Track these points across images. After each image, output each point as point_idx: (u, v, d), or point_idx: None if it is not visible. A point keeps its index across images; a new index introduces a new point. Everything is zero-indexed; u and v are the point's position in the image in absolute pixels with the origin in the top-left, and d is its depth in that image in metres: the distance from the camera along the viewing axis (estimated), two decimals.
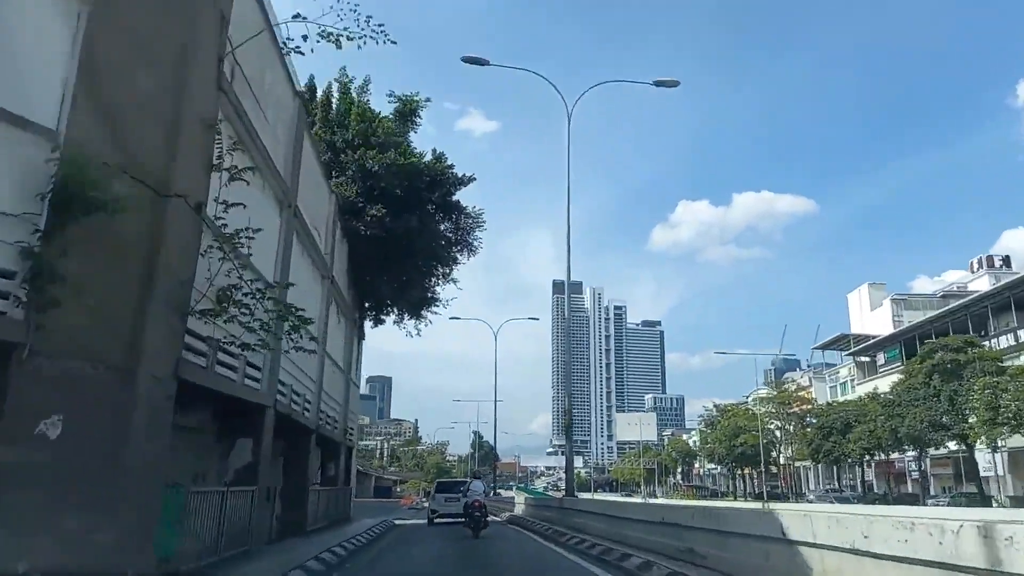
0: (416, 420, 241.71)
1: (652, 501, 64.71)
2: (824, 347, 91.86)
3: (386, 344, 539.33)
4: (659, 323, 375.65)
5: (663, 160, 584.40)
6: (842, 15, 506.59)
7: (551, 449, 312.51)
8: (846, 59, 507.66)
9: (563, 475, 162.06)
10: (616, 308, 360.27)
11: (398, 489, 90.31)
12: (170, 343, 9.86)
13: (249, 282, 10.43)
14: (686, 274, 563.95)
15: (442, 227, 28.68)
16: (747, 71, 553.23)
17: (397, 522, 31.30)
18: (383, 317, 30.23)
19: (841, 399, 79.99)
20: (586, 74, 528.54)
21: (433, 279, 29.31)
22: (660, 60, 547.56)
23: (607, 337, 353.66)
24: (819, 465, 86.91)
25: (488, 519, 22.28)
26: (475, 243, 29.25)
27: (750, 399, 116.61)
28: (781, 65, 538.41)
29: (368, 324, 31.03)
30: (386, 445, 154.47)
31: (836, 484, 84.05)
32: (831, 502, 51.23)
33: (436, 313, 30.21)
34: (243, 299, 10.27)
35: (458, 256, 29.31)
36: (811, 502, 71.16)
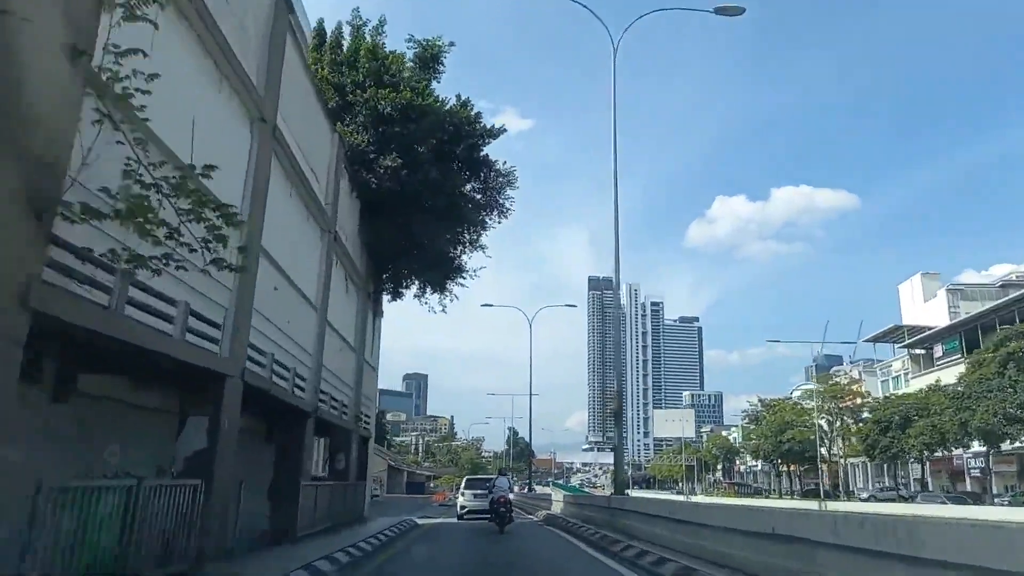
0: (452, 417, 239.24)
1: (718, 501, 60.24)
2: (876, 340, 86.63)
3: (421, 341, 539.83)
4: (697, 319, 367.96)
5: (696, 155, 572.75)
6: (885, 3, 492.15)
7: (587, 446, 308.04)
8: (886, 49, 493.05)
9: (599, 472, 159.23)
10: (653, 304, 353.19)
11: (431, 485, 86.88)
12: (14, 255, 6.12)
13: (151, 167, 6.67)
14: (724, 270, 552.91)
15: (468, 187, 24.83)
16: (781, 63, 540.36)
17: (421, 521, 27.65)
18: (402, 290, 26.39)
19: (894, 393, 74.91)
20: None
21: (458, 246, 25.39)
22: (693, 54, 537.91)
23: (644, 334, 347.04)
24: (867, 462, 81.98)
25: (513, 515, 22.96)
26: (506, 203, 25.31)
27: (794, 394, 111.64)
28: (816, 57, 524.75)
29: (386, 298, 27.29)
30: (421, 441, 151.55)
31: (886, 482, 78.92)
32: (943, 502, 45.65)
33: (463, 285, 26.26)
34: (141, 191, 6.56)
35: (487, 219, 25.38)
36: (865, 501, 66.49)
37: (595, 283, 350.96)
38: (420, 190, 21.60)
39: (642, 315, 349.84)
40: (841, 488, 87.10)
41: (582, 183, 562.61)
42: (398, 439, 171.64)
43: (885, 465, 79.24)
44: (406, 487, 79.12)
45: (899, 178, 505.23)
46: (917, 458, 65.06)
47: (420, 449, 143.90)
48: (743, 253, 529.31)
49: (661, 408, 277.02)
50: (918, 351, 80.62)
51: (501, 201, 25.14)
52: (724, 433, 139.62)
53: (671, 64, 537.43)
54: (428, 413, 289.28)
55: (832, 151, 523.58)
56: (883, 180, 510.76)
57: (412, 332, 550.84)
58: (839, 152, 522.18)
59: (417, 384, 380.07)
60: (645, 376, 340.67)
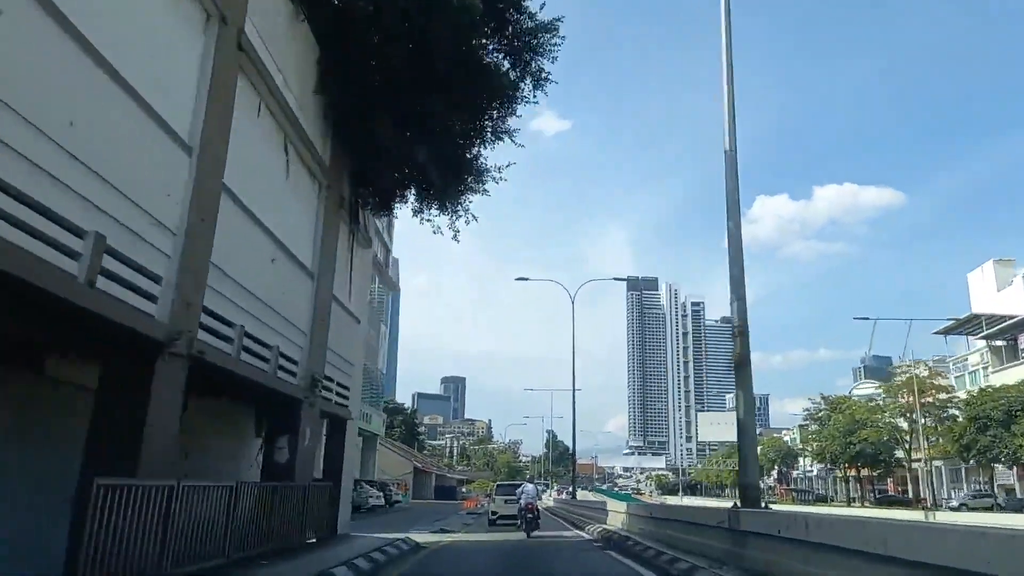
0: (490, 420, 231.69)
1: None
2: (948, 332, 76.44)
3: (459, 345, 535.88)
4: None
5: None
6: None
7: (627, 450, 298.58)
8: (933, 43, 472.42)
9: (641, 477, 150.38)
10: (694, 304, 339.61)
11: (463, 489, 78.26)
12: None
13: None
14: (766, 271, 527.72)
15: (490, 46, 16.35)
16: (820, 62, 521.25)
17: (428, 538, 19.30)
18: (393, 201, 17.74)
19: (990, 385, 64.90)
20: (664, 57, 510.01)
21: (475, 134, 16.76)
22: (735, 43, 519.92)
23: (684, 335, 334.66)
24: (941, 466, 72.16)
25: (540, 520, 23.02)
26: (544, 66, 16.59)
27: (854, 392, 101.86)
28: (859, 52, 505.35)
29: (370, 214, 18.74)
30: (456, 443, 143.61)
31: (966, 488, 68.79)
32: None
33: (485, 192, 17.49)
34: None
35: (517, 93, 16.72)
36: (955, 510, 56.84)
37: (634, 283, 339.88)
38: (408, 18, 13.16)
39: (682, 315, 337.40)
40: (912, 494, 77.38)
41: (620, 182, 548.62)
42: (433, 442, 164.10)
43: (963, 470, 69.67)
44: (435, 491, 70.51)
45: (946, 173, 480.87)
46: (1016, 460, 55.55)
47: (455, 451, 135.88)
48: (785, 253, 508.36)
49: (704, 411, 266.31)
50: (998, 342, 71.00)
51: (537, 65, 16.45)
52: (779, 435, 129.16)
53: (708, 63, 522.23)
54: (466, 416, 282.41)
55: (877, 147, 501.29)
56: (930, 176, 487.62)
57: (450, 336, 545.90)
58: (884, 148, 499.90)
59: (455, 387, 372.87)
60: (686, 378, 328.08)
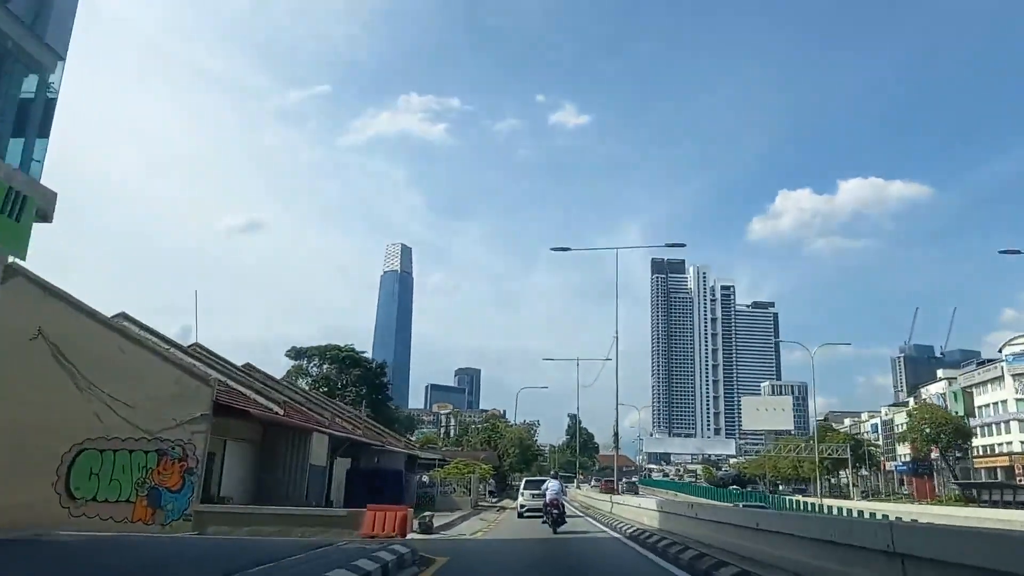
0: (504, 411, 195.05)
1: None
2: None
3: (475, 340, 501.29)
4: (772, 304, 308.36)
5: (758, 149, 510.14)
6: None
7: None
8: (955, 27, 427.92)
9: (668, 468, 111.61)
10: (724, 288, 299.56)
11: (424, 479, 38.85)
12: None
13: None
14: (787, 267, 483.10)
15: None
16: (843, 54, 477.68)
17: None
18: None
19: None
20: (681, 59, 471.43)
21: None
22: (755, 47, 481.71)
23: (713, 320, 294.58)
24: None
25: (566, 514, 22.77)
26: None
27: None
28: (887, 43, 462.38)
29: None
30: (454, 420, 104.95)
31: None
32: None
33: None
34: None
35: None
36: None
37: (658, 266, 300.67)
38: None
39: (711, 300, 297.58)
40: None
41: (641, 176, 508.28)
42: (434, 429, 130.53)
43: None
44: (347, 484, 30.64)
45: (975, 167, 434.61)
46: None
47: (451, 431, 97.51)
48: (808, 248, 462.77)
49: (734, 401, 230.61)
50: None
51: None
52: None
53: (733, 57, 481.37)
54: (480, 408, 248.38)
55: (904, 141, 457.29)
56: (959, 169, 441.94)
57: (466, 332, 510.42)
58: (912, 142, 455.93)
59: (470, 378, 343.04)
60: (715, 366, 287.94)
